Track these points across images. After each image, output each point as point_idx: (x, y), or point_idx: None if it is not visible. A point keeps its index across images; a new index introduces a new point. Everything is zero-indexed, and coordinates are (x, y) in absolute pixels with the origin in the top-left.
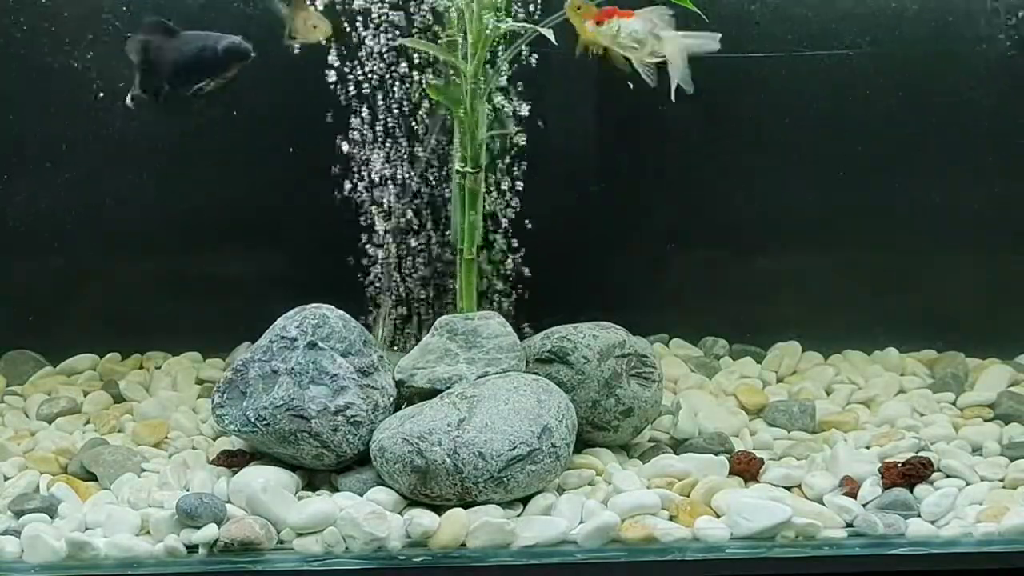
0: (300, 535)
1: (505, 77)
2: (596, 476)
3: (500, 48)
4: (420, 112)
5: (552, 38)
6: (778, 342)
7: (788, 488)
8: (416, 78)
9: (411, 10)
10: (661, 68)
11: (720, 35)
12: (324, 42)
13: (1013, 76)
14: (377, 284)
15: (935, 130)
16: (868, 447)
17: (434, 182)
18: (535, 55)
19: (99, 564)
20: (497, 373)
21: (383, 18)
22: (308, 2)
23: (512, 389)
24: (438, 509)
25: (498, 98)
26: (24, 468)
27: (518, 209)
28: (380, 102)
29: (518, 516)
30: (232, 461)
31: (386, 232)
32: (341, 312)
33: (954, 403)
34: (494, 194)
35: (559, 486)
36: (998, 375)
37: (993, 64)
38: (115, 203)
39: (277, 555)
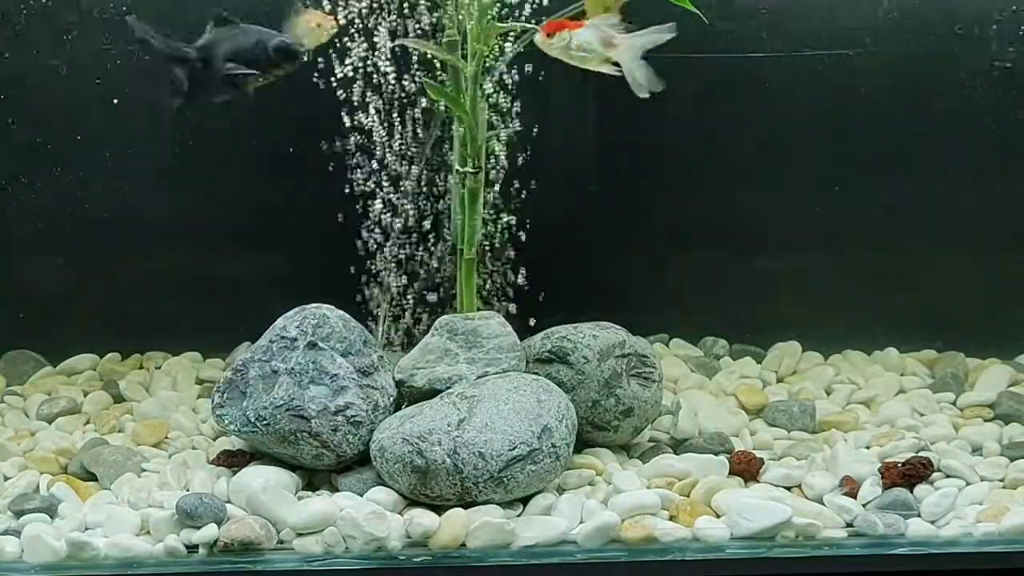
0: (300, 535)
1: (504, 77)
2: (596, 476)
3: (500, 48)
4: (417, 112)
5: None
6: (778, 342)
7: (788, 488)
8: (416, 78)
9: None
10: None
11: (673, 24)
12: (331, 35)
13: (1013, 76)
14: (377, 284)
15: (935, 130)
16: (868, 447)
17: (434, 182)
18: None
19: (99, 564)
20: (497, 373)
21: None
22: (305, 4)
23: (512, 389)
24: (438, 509)
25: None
26: (24, 468)
27: (519, 209)
28: (380, 103)
29: (518, 516)
30: (232, 461)
31: (386, 232)
32: (341, 312)
33: (954, 403)
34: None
35: (559, 486)
36: (998, 375)
37: (993, 63)
38: (115, 203)
39: (277, 555)
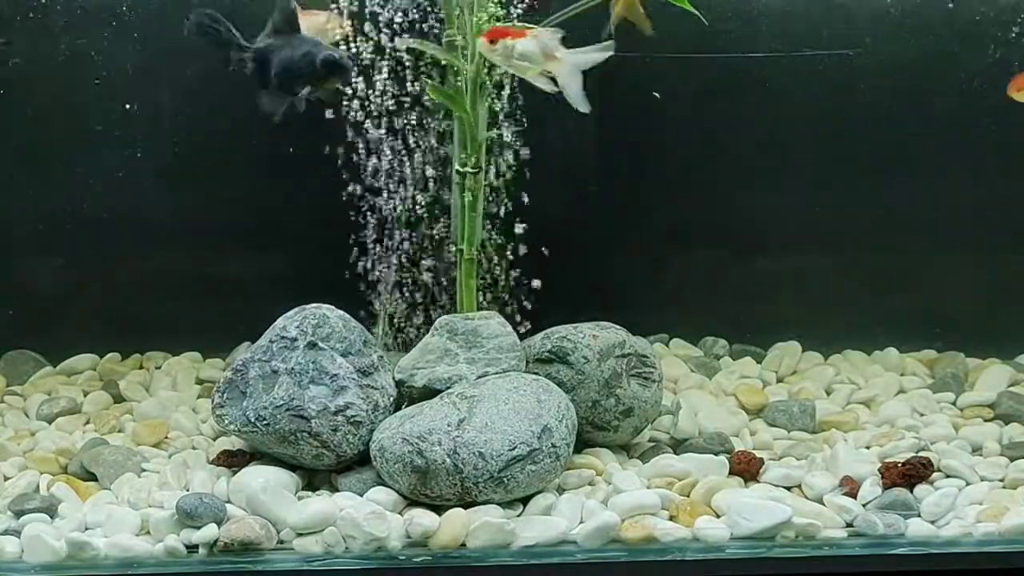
0: (300, 535)
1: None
2: (596, 476)
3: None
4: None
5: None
6: (778, 342)
7: (788, 488)
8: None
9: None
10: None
11: (612, 43)
12: (338, 36)
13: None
14: (378, 284)
15: (935, 130)
16: (868, 447)
17: (436, 183)
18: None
19: (99, 564)
20: (497, 373)
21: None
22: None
23: (512, 389)
24: (438, 509)
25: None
26: (24, 468)
27: (519, 209)
28: (380, 103)
29: (518, 516)
30: (232, 461)
31: (386, 231)
32: (341, 312)
33: (954, 403)
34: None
35: (559, 486)
36: (998, 375)
37: (993, 63)
38: (115, 203)
39: (277, 555)
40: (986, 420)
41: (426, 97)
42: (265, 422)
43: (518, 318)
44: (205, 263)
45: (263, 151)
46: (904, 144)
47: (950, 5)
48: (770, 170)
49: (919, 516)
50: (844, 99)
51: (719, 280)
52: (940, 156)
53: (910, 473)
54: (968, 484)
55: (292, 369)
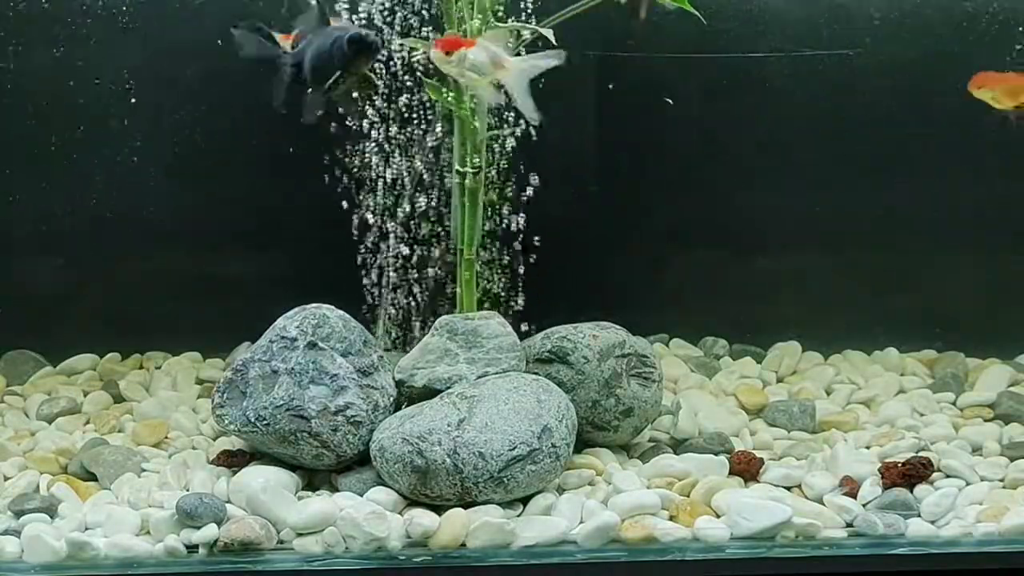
0: (300, 535)
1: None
2: (596, 476)
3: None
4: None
5: (552, 38)
6: (778, 342)
7: (788, 488)
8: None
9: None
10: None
11: (562, 51)
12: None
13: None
14: (377, 284)
15: (935, 130)
16: (868, 447)
17: (435, 183)
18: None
19: (99, 564)
20: (497, 373)
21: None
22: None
23: (512, 389)
24: (438, 509)
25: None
26: (24, 468)
27: (519, 209)
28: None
29: (518, 516)
30: (232, 461)
31: (386, 231)
32: (341, 312)
33: (954, 403)
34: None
35: (559, 486)
36: (998, 375)
37: (992, 63)
38: (115, 203)
39: (277, 555)
40: (986, 420)
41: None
42: (265, 422)
43: (524, 327)
44: (205, 263)
45: (263, 151)
46: (904, 144)
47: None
48: (770, 170)
49: (919, 516)
50: (844, 99)
51: (719, 280)
52: (940, 156)
53: (910, 473)
54: (968, 484)
55: (292, 369)
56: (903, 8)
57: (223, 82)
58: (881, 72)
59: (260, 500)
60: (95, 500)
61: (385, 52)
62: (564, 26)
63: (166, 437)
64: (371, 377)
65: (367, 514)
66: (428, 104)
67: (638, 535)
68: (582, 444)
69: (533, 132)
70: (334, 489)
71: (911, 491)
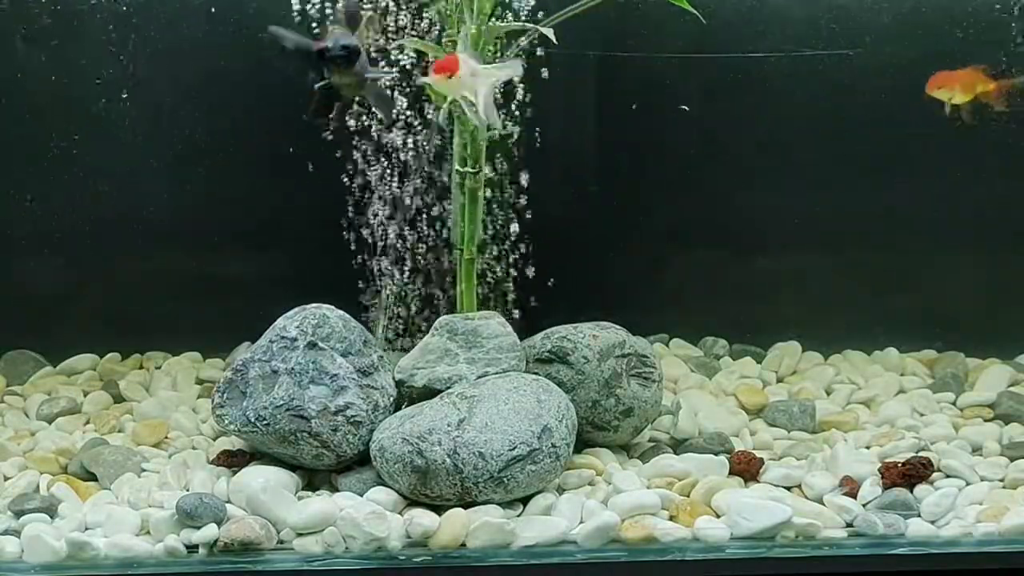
0: (300, 535)
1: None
2: (596, 476)
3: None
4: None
5: (553, 38)
6: (778, 342)
7: (788, 488)
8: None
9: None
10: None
11: (520, 61)
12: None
13: (1013, 75)
14: (377, 284)
15: (935, 130)
16: (868, 447)
17: (435, 184)
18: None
19: (99, 564)
20: (497, 373)
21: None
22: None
23: (512, 389)
24: (438, 509)
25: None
26: (24, 468)
27: (519, 209)
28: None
29: (518, 516)
30: (232, 461)
31: (386, 231)
32: (341, 312)
33: (954, 403)
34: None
35: (559, 486)
36: (998, 375)
37: (993, 63)
38: (115, 203)
39: (277, 555)
40: (986, 420)
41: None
42: (265, 422)
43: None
44: (205, 263)
45: (263, 151)
46: (904, 144)
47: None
48: (770, 170)
49: (919, 516)
50: (844, 99)
51: (719, 280)
52: (940, 156)
53: (910, 473)
54: (968, 484)
55: (292, 369)
56: (903, 8)
57: (223, 82)
58: (881, 72)
59: (260, 500)
60: (95, 500)
61: (373, 55)
62: (564, 26)
63: (166, 437)
64: (371, 377)
65: (367, 514)
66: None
67: (638, 535)
68: (582, 444)
69: (530, 132)
70: (334, 489)
71: (911, 491)
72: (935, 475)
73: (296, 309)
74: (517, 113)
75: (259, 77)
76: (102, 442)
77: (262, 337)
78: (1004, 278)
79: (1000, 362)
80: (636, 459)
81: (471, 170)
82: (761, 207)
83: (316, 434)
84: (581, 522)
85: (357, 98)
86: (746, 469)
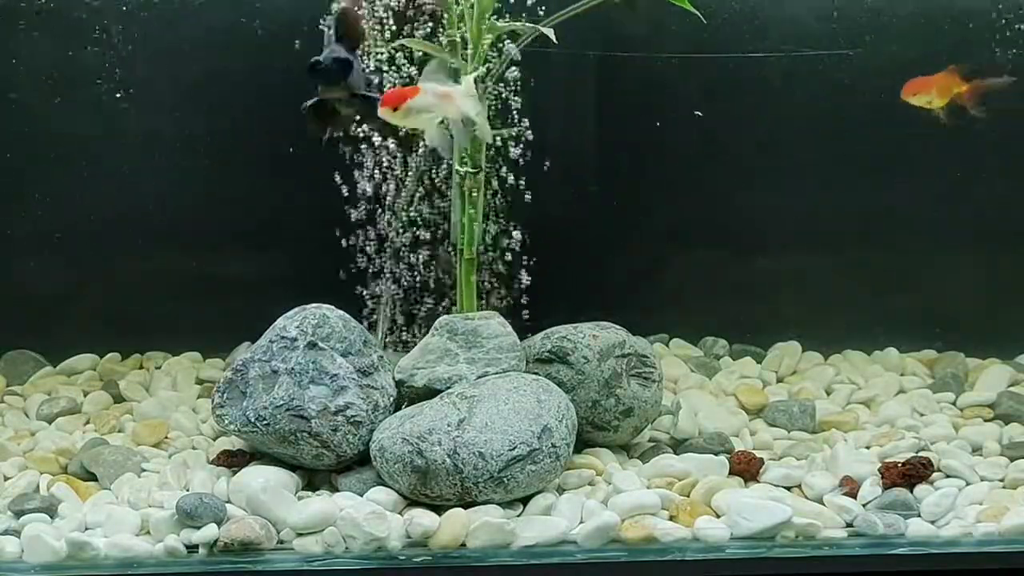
0: (300, 535)
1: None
2: (596, 476)
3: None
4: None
5: (553, 38)
6: (778, 342)
7: (788, 488)
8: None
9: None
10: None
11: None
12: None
13: (1013, 75)
14: (377, 284)
15: (935, 130)
16: (868, 447)
17: (434, 184)
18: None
19: (99, 564)
20: (497, 373)
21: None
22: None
23: (512, 389)
24: (438, 509)
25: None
26: (24, 468)
27: (519, 209)
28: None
29: (518, 516)
30: (232, 461)
31: (386, 231)
32: (341, 312)
33: (954, 403)
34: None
35: (559, 486)
36: (998, 375)
37: (993, 63)
38: (115, 203)
39: (277, 555)
40: (986, 420)
41: None
42: (265, 422)
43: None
44: (205, 263)
45: (263, 151)
46: (904, 144)
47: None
48: (770, 170)
49: (919, 516)
50: (844, 99)
51: (719, 280)
52: (940, 156)
53: (910, 473)
54: (968, 484)
55: (292, 369)
56: (903, 7)
57: (223, 82)
58: (882, 72)
59: (260, 500)
60: (95, 500)
61: (365, 68)
62: (564, 25)
63: (166, 437)
64: (371, 377)
65: (367, 514)
66: None
67: (638, 535)
68: (582, 444)
69: (530, 132)
70: (334, 489)
71: (911, 491)
72: (935, 475)
73: (296, 309)
74: (517, 113)
75: (260, 76)
76: (102, 442)
77: (262, 337)
78: (1004, 278)
79: (1000, 362)
80: (636, 459)
81: (471, 170)
82: (761, 207)
83: (316, 434)
84: (581, 522)
85: (349, 114)
86: (746, 469)
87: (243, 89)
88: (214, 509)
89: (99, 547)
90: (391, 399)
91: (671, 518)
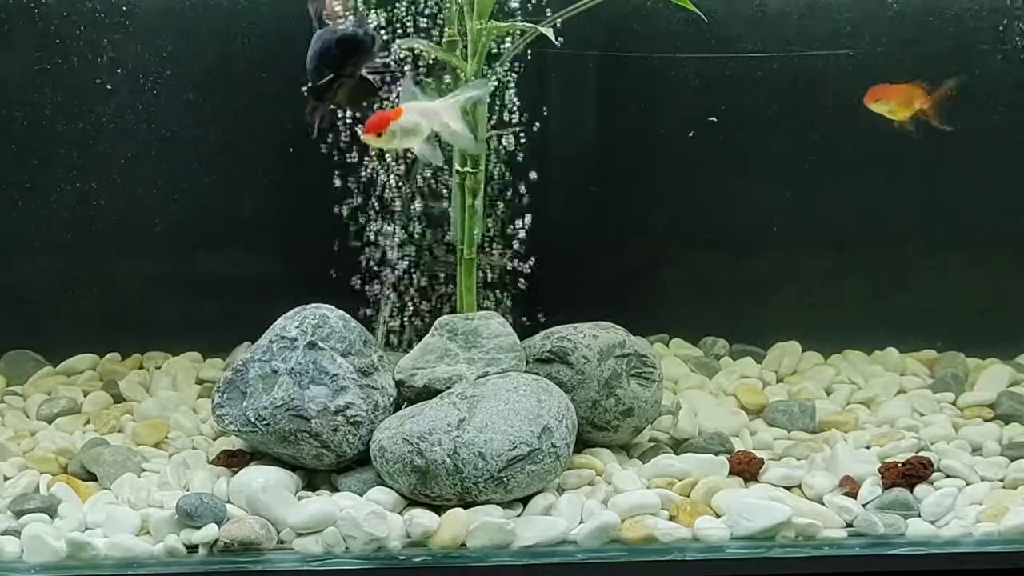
0: (300, 535)
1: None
2: (596, 476)
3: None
4: None
5: (553, 38)
6: (778, 342)
7: (788, 488)
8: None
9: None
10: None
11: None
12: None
13: (1014, 75)
14: (377, 284)
15: (935, 130)
16: (868, 447)
17: (434, 185)
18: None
19: (99, 564)
20: (497, 373)
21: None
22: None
23: (512, 389)
24: (438, 509)
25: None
26: (24, 468)
27: (520, 209)
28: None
29: (518, 516)
30: (232, 461)
31: (385, 231)
32: (341, 312)
33: (954, 403)
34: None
35: (559, 486)
36: (998, 375)
37: (993, 63)
38: (115, 203)
39: (277, 555)
40: (986, 420)
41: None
42: (265, 422)
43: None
44: (205, 263)
45: (264, 151)
46: (905, 144)
47: None
48: (770, 170)
49: (919, 516)
50: (844, 99)
51: (719, 280)
52: (940, 156)
53: (910, 473)
54: (968, 484)
55: (292, 369)
56: (903, 7)
57: (225, 81)
58: (882, 71)
59: (260, 500)
60: (95, 500)
61: (383, 50)
62: (564, 24)
63: (166, 437)
64: (371, 377)
65: (367, 514)
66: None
67: (638, 535)
68: (582, 444)
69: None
70: (334, 489)
71: (911, 491)
72: (935, 475)
73: (296, 309)
74: (516, 113)
75: (261, 76)
76: (102, 442)
77: (262, 337)
78: (1004, 278)
79: (1000, 362)
80: (636, 459)
81: (471, 170)
82: (761, 207)
83: (316, 434)
84: (581, 522)
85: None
86: (746, 469)
87: (245, 87)
88: (214, 509)
89: (99, 547)
90: (391, 399)
91: (671, 518)
